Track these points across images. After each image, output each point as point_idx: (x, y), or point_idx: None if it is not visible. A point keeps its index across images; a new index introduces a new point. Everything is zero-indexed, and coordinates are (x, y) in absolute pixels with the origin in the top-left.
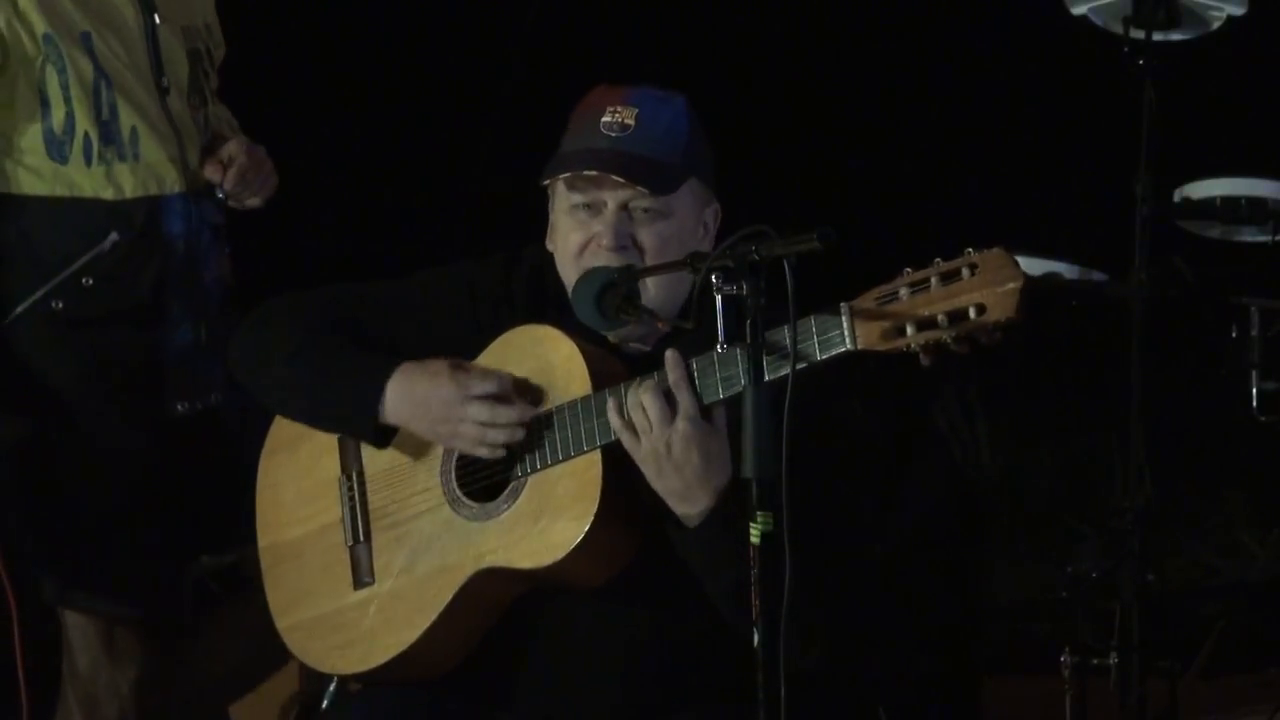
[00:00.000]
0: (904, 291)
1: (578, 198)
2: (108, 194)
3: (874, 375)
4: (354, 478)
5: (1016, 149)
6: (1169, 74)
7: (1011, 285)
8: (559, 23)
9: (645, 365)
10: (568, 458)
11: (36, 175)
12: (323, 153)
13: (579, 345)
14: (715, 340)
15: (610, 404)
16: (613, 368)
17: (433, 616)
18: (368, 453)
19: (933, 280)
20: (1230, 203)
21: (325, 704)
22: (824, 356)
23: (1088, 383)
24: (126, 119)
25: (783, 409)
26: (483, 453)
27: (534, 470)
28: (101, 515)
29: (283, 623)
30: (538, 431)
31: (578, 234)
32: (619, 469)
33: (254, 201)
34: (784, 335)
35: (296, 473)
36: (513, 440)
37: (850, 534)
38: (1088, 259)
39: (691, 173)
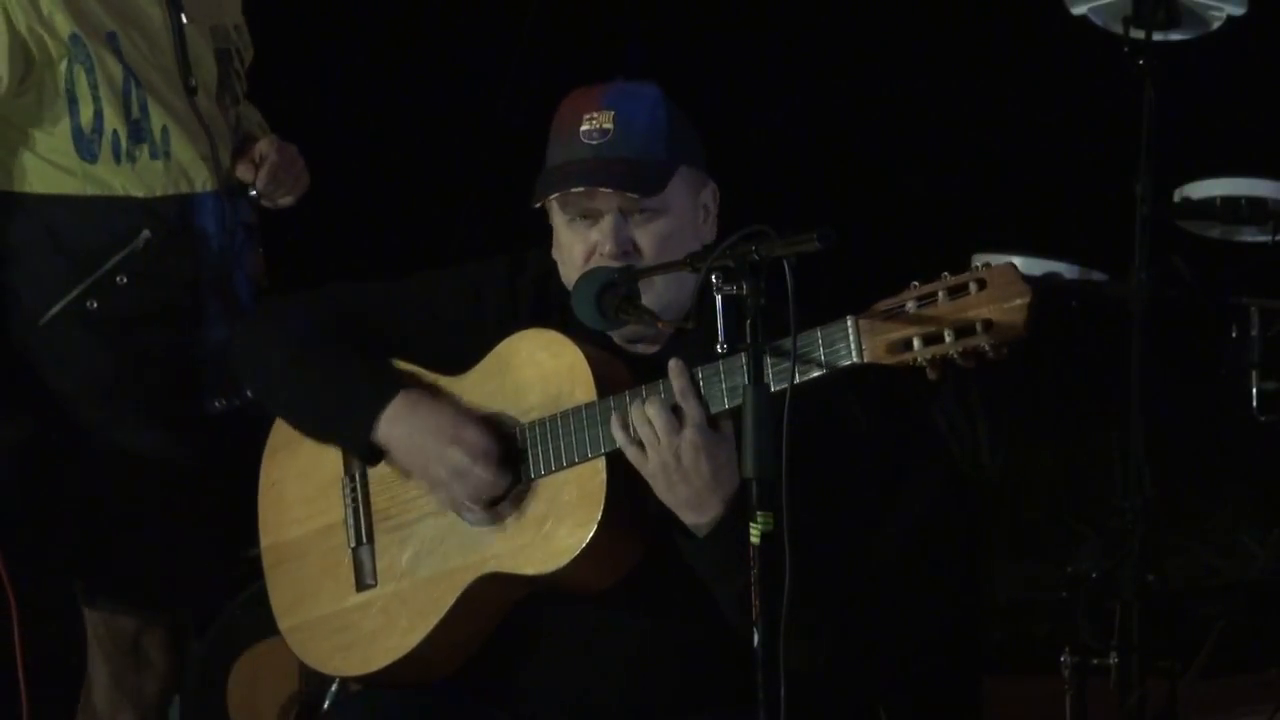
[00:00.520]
0: (911, 305)
1: (573, 213)
2: (138, 191)
3: (874, 376)
4: (357, 479)
5: (1016, 149)
6: (1169, 74)
7: (1019, 301)
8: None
9: (651, 367)
10: (572, 464)
11: (66, 174)
12: (324, 153)
13: (584, 350)
14: (718, 339)
15: (614, 420)
16: (618, 373)
17: (435, 620)
18: None
19: (940, 294)
20: (1230, 203)
21: (326, 705)
22: (830, 369)
23: (1088, 383)
24: (157, 117)
25: (783, 409)
26: (439, 497)
27: (539, 476)
28: (135, 516)
29: (285, 623)
30: (543, 437)
31: (580, 245)
32: (624, 476)
33: (286, 200)
34: (789, 343)
35: (298, 472)
36: (474, 500)
37: (850, 534)
38: (1088, 259)
39: (679, 162)
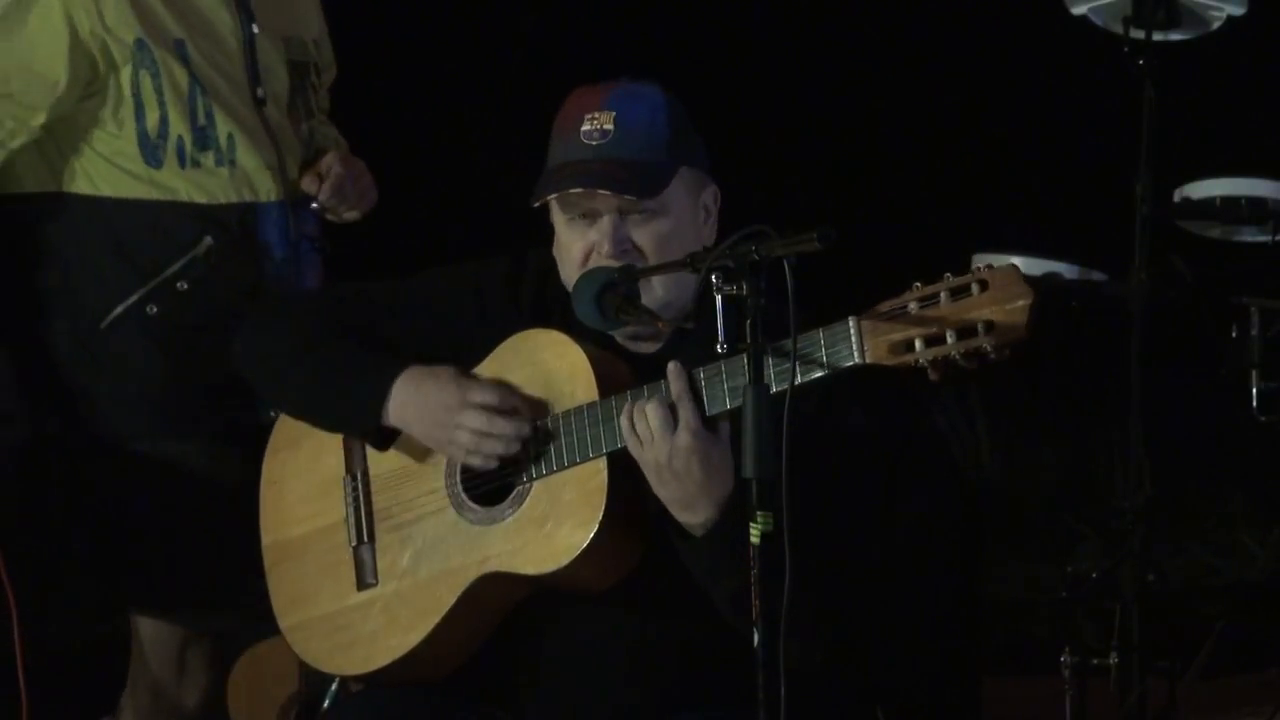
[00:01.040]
0: (913, 306)
1: (572, 213)
2: (201, 198)
3: (874, 377)
4: (358, 478)
5: (1016, 149)
6: (1169, 74)
7: (1021, 303)
8: (560, 22)
9: (652, 367)
10: (573, 464)
11: (131, 177)
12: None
13: (586, 350)
14: (718, 339)
15: (623, 411)
16: (619, 372)
17: (436, 619)
18: (372, 453)
19: (942, 295)
20: (1230, 203)
21: (326, 704)
22: (832, 369)
23: (1088, 383)
24: (223, 125)
25: (783, 409)
26: (475, 462)
27: (540, 475)
28: (185, 524)
29: (285, 622)
30: (544, 437)
31: (579, 245)
32: (625, 476)
33: (351, 215)
34: (791, 346)
35: (300, 471)
36: (506, 453)
37: (849, 534)
38: (1088, 259)
39: (679, 163)
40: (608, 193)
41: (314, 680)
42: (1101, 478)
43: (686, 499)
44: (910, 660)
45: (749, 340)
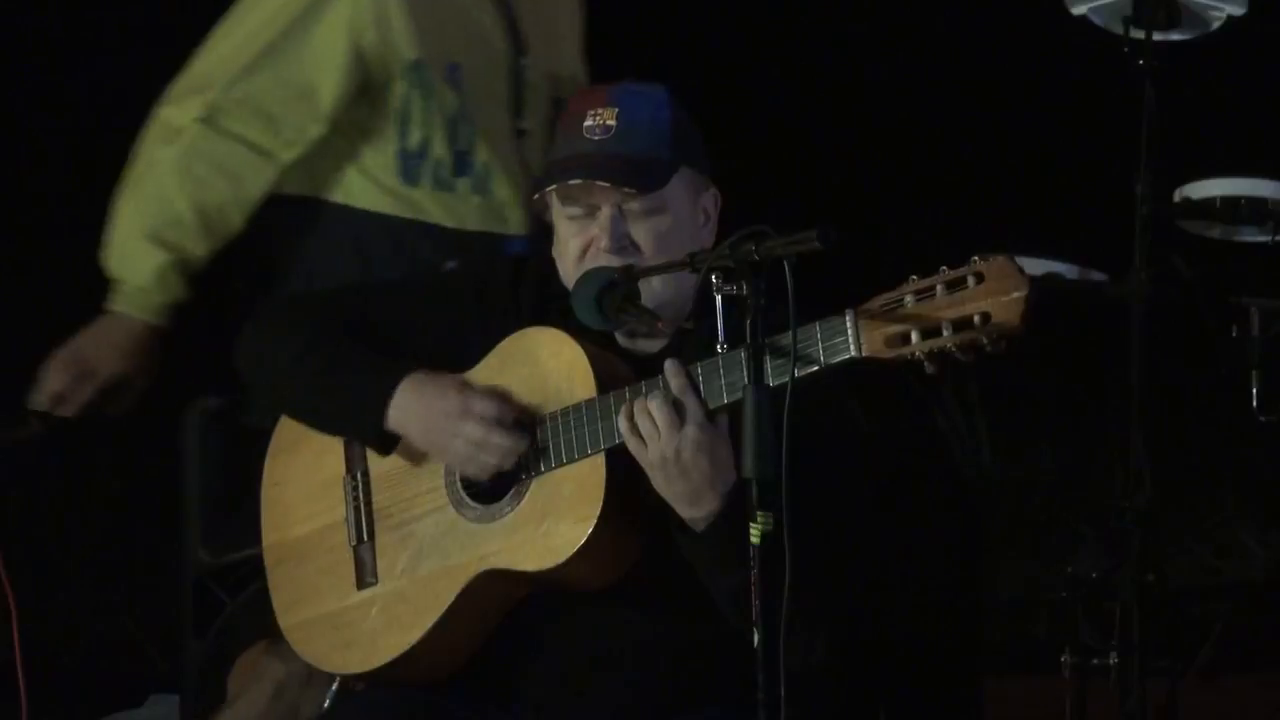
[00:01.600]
0: (909, 298)
1: (571, 207)
2: (450, 222)
3: (874, 375)
4: (358, 478)
5: (1016, 149)
6: (1169, 74)
7: (1017, 294)
8: None
9: (652, 366)
10: (572, 461)
11: (385, 193)
12: None
13: (585, 348)
14: (718, 339)
15: (621, 411)
16: (618, 371)
17: (435, 617)
18: (373, 453)
19: (938, 288)
20: (1230, 203)
21: (327, 704)
22: (829, 363)
23: (1088, 383)
24: (482, 153)
25: (783, 409)
26: (470, 471)
27: (539, 473)
28: None
29: (286, 621)
30: (543, 434)
31: (577, 239)
32: (623, 472)
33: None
34: (788, 338)
35: (301, 472)
36: (502, 466)
37: (848, 532)
38: (1088, 259)
39: (681, 163)
40: (608, 185)
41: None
42: (1101, 478)
43: (692, 493)
44: (910, 660)
45: (749, 340)
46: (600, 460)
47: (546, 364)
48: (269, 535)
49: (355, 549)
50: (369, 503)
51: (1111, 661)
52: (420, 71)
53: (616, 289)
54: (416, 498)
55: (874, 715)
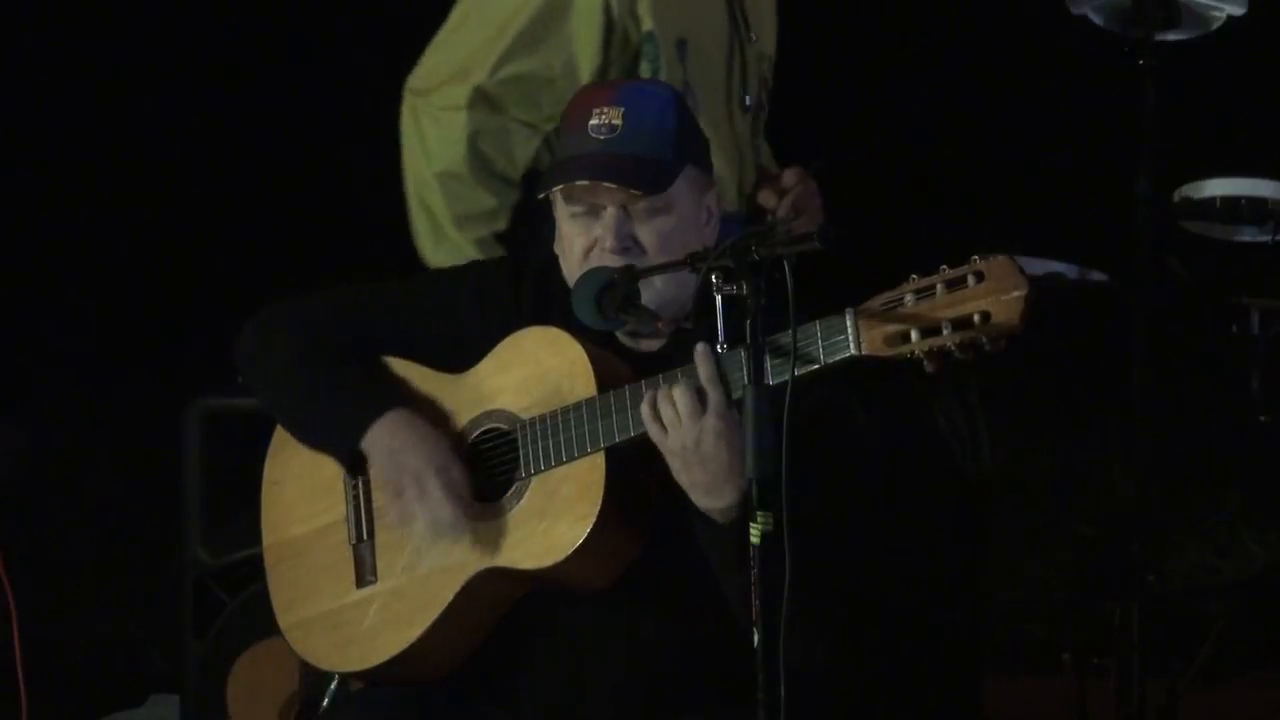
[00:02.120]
0: (909, 298)
1: (576, 207)
2: None
3: (874, 374)
4: (358, 476)
5: (1016, 149)
6: (1169, 74)
7: (1017, 293)
8: None
9: (653, 365)
10: (571, 459)
11: None
12: (326, 154)
13: (585, 347)
14: (718, 339)
15: (644, 397)
16: (618, 369)
17: (434, 615)
18: None
19: (938, 287)
20: (1230, 203)
21: (326, 703)
22: (828, 361)
23: (1088, 383)
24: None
25: (783, 409)
26: (392, 517)
27: (538, 471)
28: None
29: (285, 620)
30: (543, 433)
31: (581, 239)
32: (623, 471)
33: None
34: (787, 337)
35: (301, 471)
36: (431, 534)
37: (850, 532)
38: (1088, 259)
39: (686, 162)
40: (613, 186)
41: (314, 679)
42: (1101, 478)
43: (712, 483)
44: (910, 660)
45: (749, 339)
46: (600, 459)
47: (547, 363)
48: (268, 535)
49: (355, 548)
50: (369, 502)
51: (1111, 662)
52: (652, 44)
53: (616, 289)
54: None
55: (874, 715)
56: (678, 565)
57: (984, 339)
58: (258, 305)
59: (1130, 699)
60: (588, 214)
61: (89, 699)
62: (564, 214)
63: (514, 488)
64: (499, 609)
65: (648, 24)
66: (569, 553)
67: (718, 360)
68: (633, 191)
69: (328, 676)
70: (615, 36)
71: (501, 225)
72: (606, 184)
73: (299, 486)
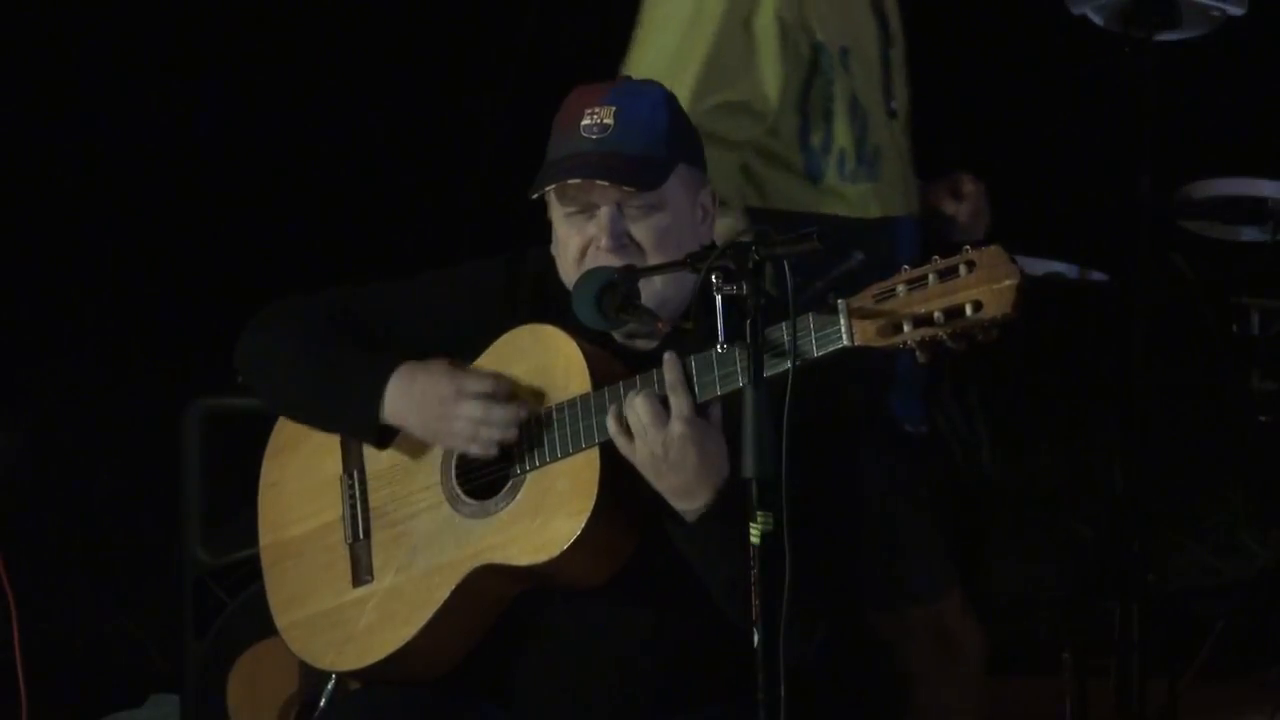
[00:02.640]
0: (901, 288)
1: (570, 206)
2: (854, 212)
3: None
4: (355, 476)
5: (1016, 149)
6: (1169, 74)
7: (1008, 282)
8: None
9: (649, 364)
10: (566, 455)
11: (794, 183)
12: (325, 154)
13: (580, 345)
14: (717, 338)
15: (609, 410)
16: (613, 367)
17: (430, 613)
18: (369, 452)
19: (930, 277)
20: (1230, 203)
21: (323, 703)
22: (821, 353)
23: (1088, 382)
24: (872, 137)
25: (782, 408)
26: (475, 450)
27: (533, 467)
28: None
29: (282, 620)
30: (537, 429)
31: (576, 239)
32: (617, 466)
33: (951, 238)
34: (782, 332)
35: (298, 472)
36: (505, 438)
37: (851, 532)
38: (1088, 259)
39: (678, 160)
40: (606, 184)
41: (313, 679)
42: (1101, 478)
43: (684, 487)
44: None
45: (749, 339)
46: (594, 455)
47: (542, 360)
48: (265, 536)
49: (351, 547)
50: (365, 501)
51: (1111, 661)
52: (823, 55)
53: (616, 289)
54: (412, 495)
55: (874, 715)
56: (672, 562)
57: (976, 329)
58: (258, 305)
59: (1130, 699)
60: (581, 213)
61: (89, 699)
62: (558, 214)
63: (509, 484)
64: (495, 607)
65: (818, 34)
66: (563, 548)
67: (684, 366)
68: (626, 188)
69: (326, 676)
70: (789, 50)
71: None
72: (600, 181)
73: (296, 487)
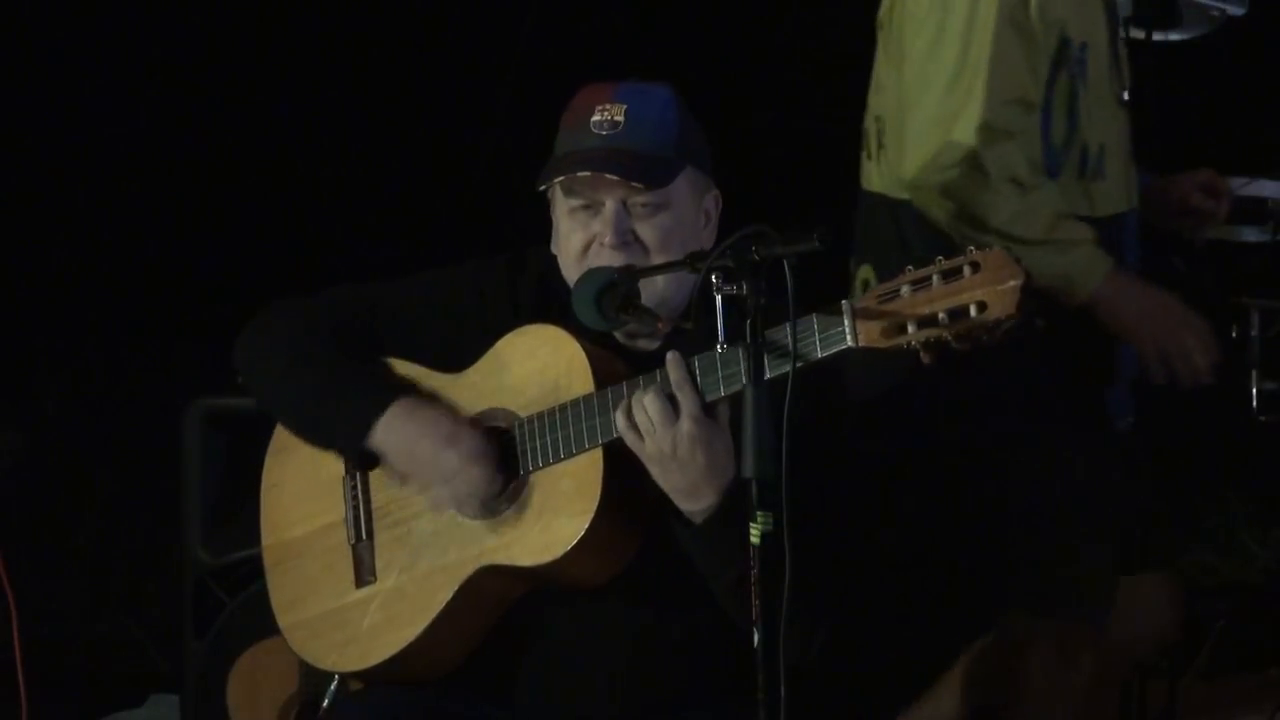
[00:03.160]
0: (905, 289)
1: (576, 200)
2: (1088, 210)
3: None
4: (357, 477)
5: None
6: (1169, 74)
7: (1012, 283)
8: (559, 21)
9: (650, 364)
10: (569, 456)
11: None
12: (325, 154)
13: (582, 345)
14: (718, 338)
15: (620, 407)
16: (616, 367)
17: (433, 614)
18: None
19: (934, 278)
20: (1230, 202)
21: (326, 703)
22: (825, 354)
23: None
24: (1098, 134)
25: (783, 409)
26: (434, 496)
27: (536, 468)
28: (1070, 528)
29: (284, 620)
30: (540, 430)
31: (579, 235)
32: (620, 467)
33: (1202, 235)
34: (785, 333)
35: (300, 472)
36: (468, 499)
37: (851, 531)
38: None
39: (686, 162)
40: (615, 178)
41: (314, 679)
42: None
43: (690, 486)
44: (910, 659)
45: (749, 339)
46: (598, 455)
47: (544, 360)
48: (268, 537)
49: (354, 547)
50: (368, 501)
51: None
52: (1067, 50)
53: (616, 289)
54: (415, 496)
55: (874, 715)
56: (675, 562)
57: (980, 330)
58: (258, 305)
59: (1130, 699)
60: (587, 209)
61: (89, 699)
62: (562, 210)
63: (512, 485)
64: (498, 608)
65: (1061, 30)
66: (567, 549)
67: (689, 366)
68: (634, 185)
69: (327, 676)
70: (1033, 45)
71: None
72: (609, 175)
73: (298, 488)
